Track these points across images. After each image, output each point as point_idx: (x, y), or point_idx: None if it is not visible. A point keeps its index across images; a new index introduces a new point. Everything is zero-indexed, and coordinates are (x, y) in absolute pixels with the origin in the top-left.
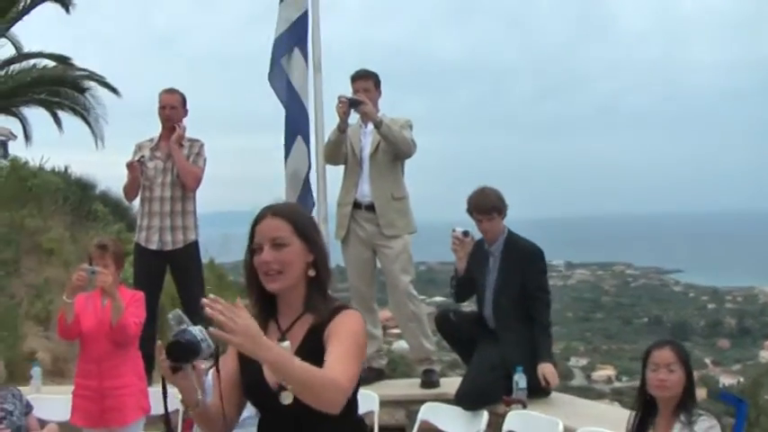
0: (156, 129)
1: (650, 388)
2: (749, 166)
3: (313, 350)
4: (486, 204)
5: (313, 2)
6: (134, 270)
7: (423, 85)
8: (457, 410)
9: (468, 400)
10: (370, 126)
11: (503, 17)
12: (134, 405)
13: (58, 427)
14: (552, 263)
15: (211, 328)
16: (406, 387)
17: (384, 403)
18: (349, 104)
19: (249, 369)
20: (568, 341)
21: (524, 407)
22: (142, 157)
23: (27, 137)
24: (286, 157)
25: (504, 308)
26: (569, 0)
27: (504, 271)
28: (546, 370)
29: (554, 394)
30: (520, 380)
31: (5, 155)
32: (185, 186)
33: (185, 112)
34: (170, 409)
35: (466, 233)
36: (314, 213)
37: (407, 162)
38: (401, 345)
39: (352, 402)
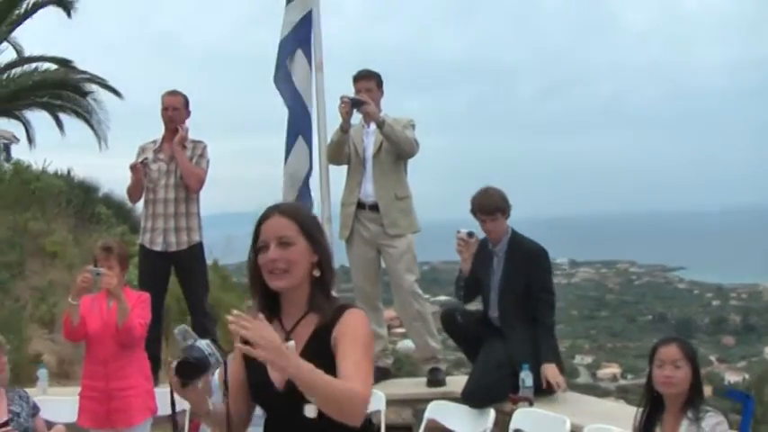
0: (158, 131)
1: (657, 385)
2: (752, 163)
3: (318, 351)
4: (489, 205)
5: (315, 3)
6: (139, 272)
7: (425, 84)
8: (463, 409)
9: (474, 398)
10: (373, 126)
11: (505, 17)
12: (141, 406)
13: (65, 428)
14: (556, 261)
15: (238, 345)
16: (412, 386)
17: (391, 402)
18: (351, 105)
19: (254, 370)
20: (573, 339)
21: (531, 404)
22: (145, 158)
23: (30, 140)
24: (286, 157)
25: (509, 308)
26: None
27: (509, 271)
28: (548, 371)
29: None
30: (526, 377)
31: (8, 158)
32: (189, 188)
33: (188, 114)
34: (177, 410)
35: (471, 234)
36: (316, 213)
37: (410, 162)
38: (405, 344)
39: None
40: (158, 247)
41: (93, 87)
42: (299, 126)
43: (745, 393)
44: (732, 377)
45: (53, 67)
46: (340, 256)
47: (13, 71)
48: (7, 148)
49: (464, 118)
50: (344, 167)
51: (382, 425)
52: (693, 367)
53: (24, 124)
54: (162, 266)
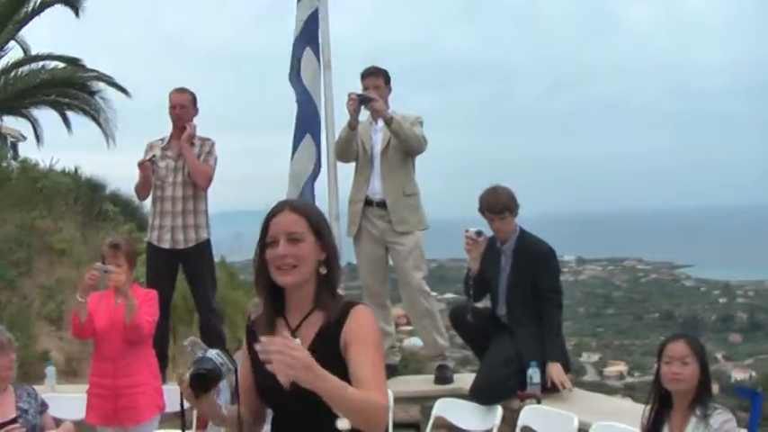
0: (166, 129)
1: (665, 381)
2: (759, 161)
3: (325, 349)
4: (498, 204)
5: (321, 0)
6: (146, 269)
7: (432, 82)
8: (471, 406)
9: (482, 394)
10: (381, 123)
11: (510, 16)
12: (148, 403)
13: (73, 425)
14: (563, 258)
15: (268, 366)
16: (420, 383)
17: (398, 399)
18: (359, 101)
19: (262, 371)
20: (580, 337)
21: (539, 402)
22: (153, 156)
23: (38, 138)
24: (293, 154)
25: (517, 305)
26: None
27: (517, 270)
28: (553, 371)
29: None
30: (534, 375)
31: (15, 156)
32: (196, 185)
33: (196, 112)
34: (185, 406)
35: (479, 233)
36: (324, 211)
37: (418, 159)
38: (412, 341)
39: None
40: (166, 245)
41: (101, 86)
42: (307, 123)
43: (753, 390)
44: (739, 375)
45: (60, 65)
46: (347, 254)
47: (21, 69)
48: (14, 147)
49: (472, 115)
50: (352, 164)
51: (390, 422)
52: (702, 364)
53: (32, 122)
54: (170, 264)
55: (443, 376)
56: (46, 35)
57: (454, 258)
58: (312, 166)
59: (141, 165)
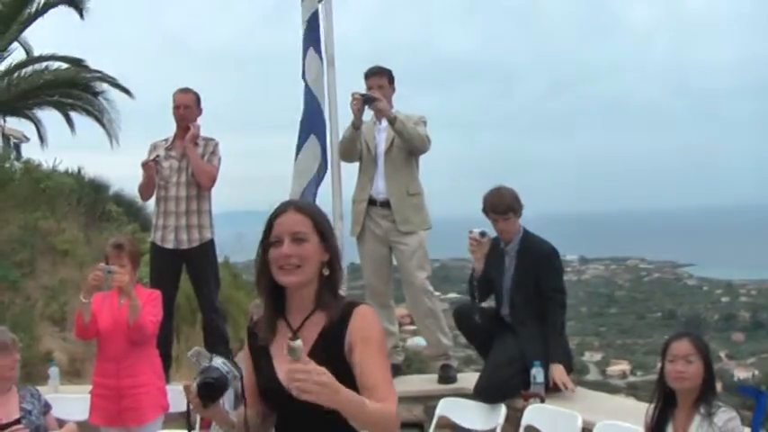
0: (169, 130)
1: (669, 380)
2: (761, 161)
3: (327, 350)
4: (501, 204)
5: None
6: (150, 269)
7: (435, 81)
8: (475, 405)
9: (486, 393)
10: (385, 122)
11: (511, 14)
12: (152, 404)
13: (76, 426)
14: (566, 258)
15: (294, 391)
16: (423, 382)
17: (402, 399)
18: (363, 101)
19: (264, 374)
20: (583, 336)
21: (542, 401)
22: (157, 156)
23: (41, 139)
24: (297, 153)
25: (521, 306)
26: None
27: (520, 271)
28: (555, 372)
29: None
30: (537, 374)
31: (18, 157)
32: (200, 185)
33: (200, 112)
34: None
35: (483, 234)
36: (327, 210)
37: (421, 158)
38: (415, 341)
39: None
40: (170, 245)
41: (104, 86)
42: (311, 124)
43: (757, 389)
44: (741, 373)
45: (64, 66)
46: (351, 253)
47: (24, 70)
48: (17, 148)
49: (473, 115)
50: (356, 164)
51: None
52: (706, 363)
53: (35, 123)
54: (173, 264)
55: (447, 376)
56: (49, 36)
57: (457, 258)
58: (316, 166)
59: (145, 165)
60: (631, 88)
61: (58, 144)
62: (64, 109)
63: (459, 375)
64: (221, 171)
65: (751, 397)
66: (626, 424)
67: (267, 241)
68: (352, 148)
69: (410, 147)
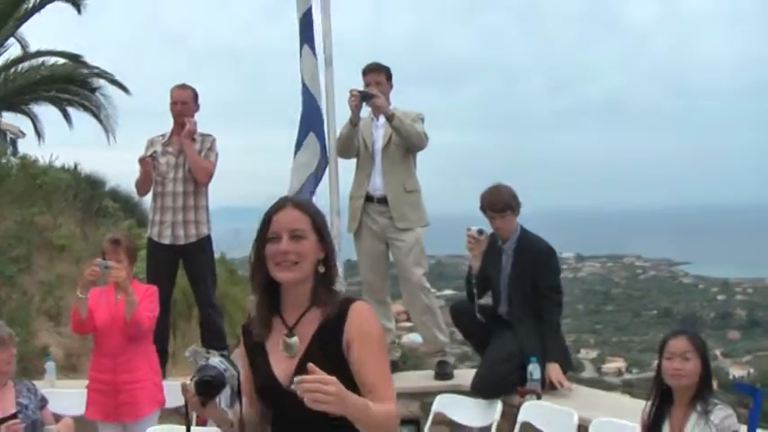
0: (166, 126)
1: (666, 377)
2: (758, 159)
3: (325, 347)
4: (499, 202)
5: None
6: (147, 265)
7: (433, 79)
8: (471, 402)
9: (484, 389)
10: (382, 119)
11: (512, 15)
12: (148, 399)
13: (73, 421)
14: (562, 256)
15: (306, 401)
16: (420, 379)
17: (398, 395)
18: (361, 98)
19: (261, 371)
20: (579, 333)
21: (539, 398)
22: (154, 152)
23: (38, 135)
24: (296, 150)
25: (518, 304)
26: None
27: (517, 269)
28: (551, 371)
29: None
30: (534, 371)
31: (15, 152)
32: (197, 181)
33: (197, 108)
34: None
35: (481, 231)
36: (324, 206)
37: (419, 155)
38: (411, 338)
39: None
40: (166, 241)
41: (101, 83)
42: (310, 121)
43: (753, 387)
44: (737, 371)
45: (60, 62)
46: (348, 250)
47: (21, 66)
48: (14, 143)
49: (473, 113)
50: (353, 161)
51: None
52: (703, 360)
53: (32, 119)
54: (170, 260)
55: (443, 372)
56: (46, 32)
57: (453, 255)
58: (315, 163)
59: (142, 161)
60: (631, 87)
61: (55, 140)
62: (61, 104)
63: (455, 372)
64: (218, 167)
65: (747, 395)
66: (622, 421)
67: (264, 237)
68: (350, 145)
69: (407, 143)
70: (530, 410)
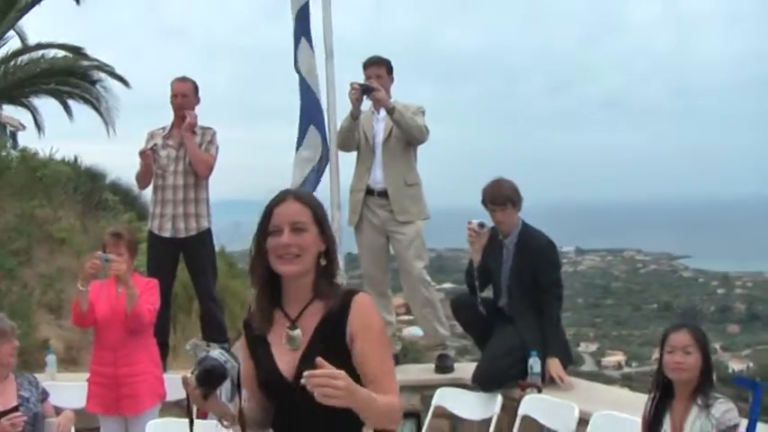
0: (166, 119)
1: (667, 370)
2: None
3: (327, 339)
4: (500, 195)
5: None
6: (147, 258)
7: (435, 74)
8: (471, 395)
9: (485, 382)
10: (383, 112)
11: (513, 12)
12: (149, 392)
13: (74, 414)
14: (562, 249)
15: (316, 396)
16: (420, 372)
17: (399, 388)
18: (361, 91)
19: (262, 362)
20: (579, 327)
21: (540, 391)
22: (155, 145)
23: (38, 128)
24: (298, 144)
25: (519, 298)
26: None
27: (518, 263)
28: (551, 367)
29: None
30: (534, 364)
31: (15, 145)
32: (197, 174)
33: (197, 101)
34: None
35: (482, 225)
36: (325, 200)
37: (420, 149)
38: (410, 331)
39: None
40: (167, 234)
41: (102, 75)
42: (310, 115)
43: (753, 381)
44: (736, 365)
45: (60, 54)
46: (348, 243)
47: (21, 58)
48: (14, 136)
49: (473, 109)
50: (354, 154)
51: None
52: (704, 354)
53: (32, 112)
54: (170, 253)
55: (444, 365)
56: (44, 25)
57: (453, 248)
58: (318, 156)
59: (142, 154)
60: (631, 86)
61: (55, 133)
62: (61, 97)
63: (455, 365)
64: (218, 160)
65: (747, 388)
66: (623, 415)
67: (265, 230)
68: (351, 138)
69: (408, 137)
70: (530, 404)
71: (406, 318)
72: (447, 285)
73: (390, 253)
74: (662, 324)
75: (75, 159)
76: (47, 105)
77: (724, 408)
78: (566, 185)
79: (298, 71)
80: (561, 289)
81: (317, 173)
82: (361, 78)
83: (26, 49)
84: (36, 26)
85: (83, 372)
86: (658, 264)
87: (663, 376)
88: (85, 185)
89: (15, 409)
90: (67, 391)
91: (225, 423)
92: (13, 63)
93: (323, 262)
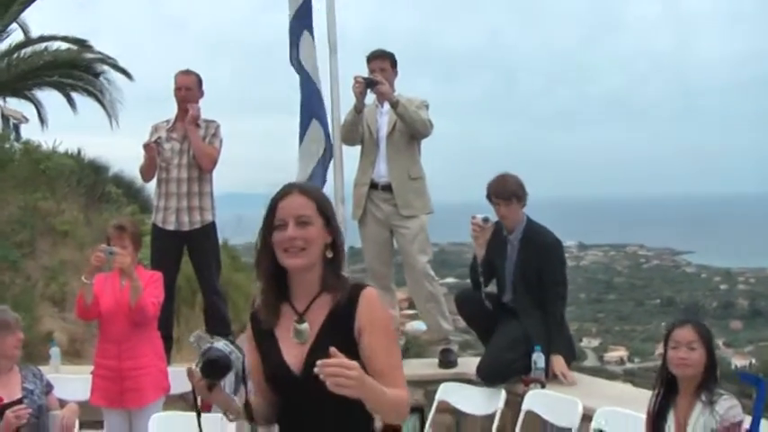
0: (169, 112)
1: (671, 366)
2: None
3: (336, 332)
4: (505, 189)
5: None
6: (151, 251)
7: (438, 70)
8: (475, 390)
9: (489, 375)
10: (387, 106)
11: (514, 10)
12: (153, 385)
13: (78, 406)
14: (565, 244)
15: (328, 385)
16: (424, 367)
17: None
18: (365, 84)
19: (271, 359)
20: (581, 322)
21: (543, 386)
22: (158, 138)
23: (42, 120)
24: (301, 138)
25: (523, 293)
26: None
27: (523, 260)
28: (555, 364)
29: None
30: (538, 359)
31: (18, 138)
32: (201, 167)
33: (201, 94)
34: (188, 391)
35: (486, 219)
36: (329, 193)
37: (423, 143)
38: (413, 326)
39: None
40: (171, 227)
41: (105, 68)
42: (312, 109)
43: (757, 377)
44: (739, 361)
45: (63, 47)
46: (352, 237)
47: (24, 51)
48: (17, 128)
49: (476, 105)
50: (358, 148)
51: None
52: (708, 350)
53: (35, 104)
54: (174, 246)
55: (447, 360)
56: (47, 18)
57: (455, 243)
58: (321, 150)
59: (146, 146)
60: (632, 84)
61: (59, 125)
62: (64, 90)
63: (459, 360)
64: (222, 153)
65: (751, 385)
66: (627, 410)
67: (271, 224)
68: (354, 132)
69: (412, 130)
70: (534, 399)
71: (409, 312)
72: (450, 280)
73: (394, 247)
74: (664, 319)
75: (79, 152)
76: (50, 98)
77: (728, 404)
78: (567, 183)
79: (298, 64)
80: (566, 287)
81: (322, 167)
82: (364, 72)
83: (29, 41)
84: (39, 19)
85: (86, 364)
86: (661, 259)
87: (667, 372)
88: (89, 178)
89: (20, 401)
90: (71, 383)
91: (230, 417)
92: (16, 56)
93: (329, 254)
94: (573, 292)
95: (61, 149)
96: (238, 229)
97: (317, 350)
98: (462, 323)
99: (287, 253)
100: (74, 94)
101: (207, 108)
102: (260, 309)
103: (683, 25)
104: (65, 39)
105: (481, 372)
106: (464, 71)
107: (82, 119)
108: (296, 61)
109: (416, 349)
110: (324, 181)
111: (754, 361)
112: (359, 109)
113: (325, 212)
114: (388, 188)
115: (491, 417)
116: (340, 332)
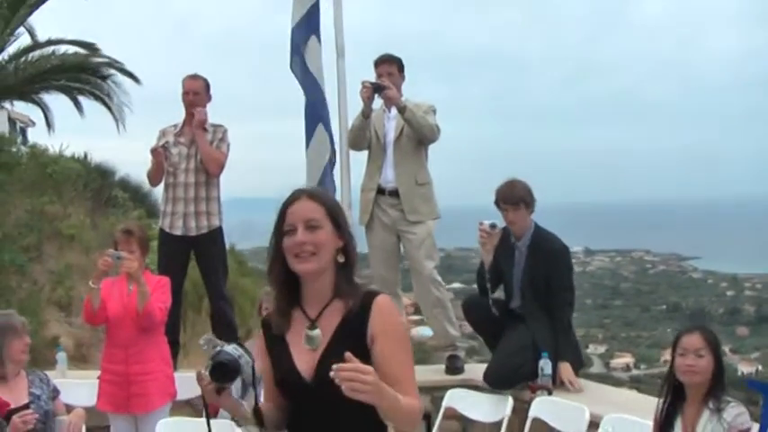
0: (177, 115)
1: (679, 373)
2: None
3: (348, 339)
4: (514, 195)
5: None
6: (158, 256)
7: (445, 72)
8: (482, 396)
9: (496, 380)
10: (394, 111)
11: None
12: (160, 391)
13: (84, 411)
14: (571, 249)
15: (343, 389)
16: (430, 373)
17: None
18: (373, 89)
19: (282, 366)
20: (587, 328)
21: (550, 393)
22: (166, 142)
23: (49, 124)
24: (307, 143)
25: (531, 299)
26: None
27: (531, 267)
28: (562, 371)
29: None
30: (545, 366)
31: (25, 141)
32: (209, 172)
33: (209, 98)
34: (194, 396)
35: (493, 225)
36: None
37: (430, 148)
38: (418, 331)
39: None
40: (178, 232)
41: (112, 71)
42: (317, 113)
43: (764, 384)
44: (745, 368)
45: (71, 50)
46: (359, 242)
47: (31, 55)
48: (24, 132)
49: (484, 106)
50: (365, 153)
51: None
52: (716, 357)
53: (42, 108)
54: (181, 251)
55: (454, 366)
56: (53, 21)
57: (462, 248)
58: (328, 155)
59: (154, 151)
60: (640, 83)
61: (66, 129)
62: (71, 93)
63: (465, 366)
64: (229, 158)
65: (759, 392)
66: (633, 417)
67: (281, 230)
68: (362, 137)
69: (419, 135)
70: (541, 406)
71: (415, 318)
72: (456, 285)
73: (401, 252)
74: (670, 325)
75: (86, 156)
76: (57, 101)
77: (735, 411)
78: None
79: (301, 69)
80: (573, 293)
81: (330, 171)
82: (372, 76)
83: (37, 45)
84: (45, 23)
85: (93, 369)
86: (667, 265)
87: (674, 379)
88: (95, 182)
89: (26, 406)
90: (78, 388)
91: (238, 419)
92: (23, 59)
93: (341, 259)
94: (579, 298)
95: (68, 153)
96: (245, 234)
97: (329, 357)
98: (469, 329)
99: (297, 258)
100: (81, 98)
101: (214, 111)
102: (271, 314)
103: (691, 21)
104: (72, 42)
105: (488, 377)
106: (471, 72)
107: (89, 123)
108: (298, 67)
109: (421, 355)
110: (334, 185)
111: (760, 367)
112: (366, 114)
113: (335, 216)
114: (395, 193)
115: (498, 424)
116: (352, 339)
